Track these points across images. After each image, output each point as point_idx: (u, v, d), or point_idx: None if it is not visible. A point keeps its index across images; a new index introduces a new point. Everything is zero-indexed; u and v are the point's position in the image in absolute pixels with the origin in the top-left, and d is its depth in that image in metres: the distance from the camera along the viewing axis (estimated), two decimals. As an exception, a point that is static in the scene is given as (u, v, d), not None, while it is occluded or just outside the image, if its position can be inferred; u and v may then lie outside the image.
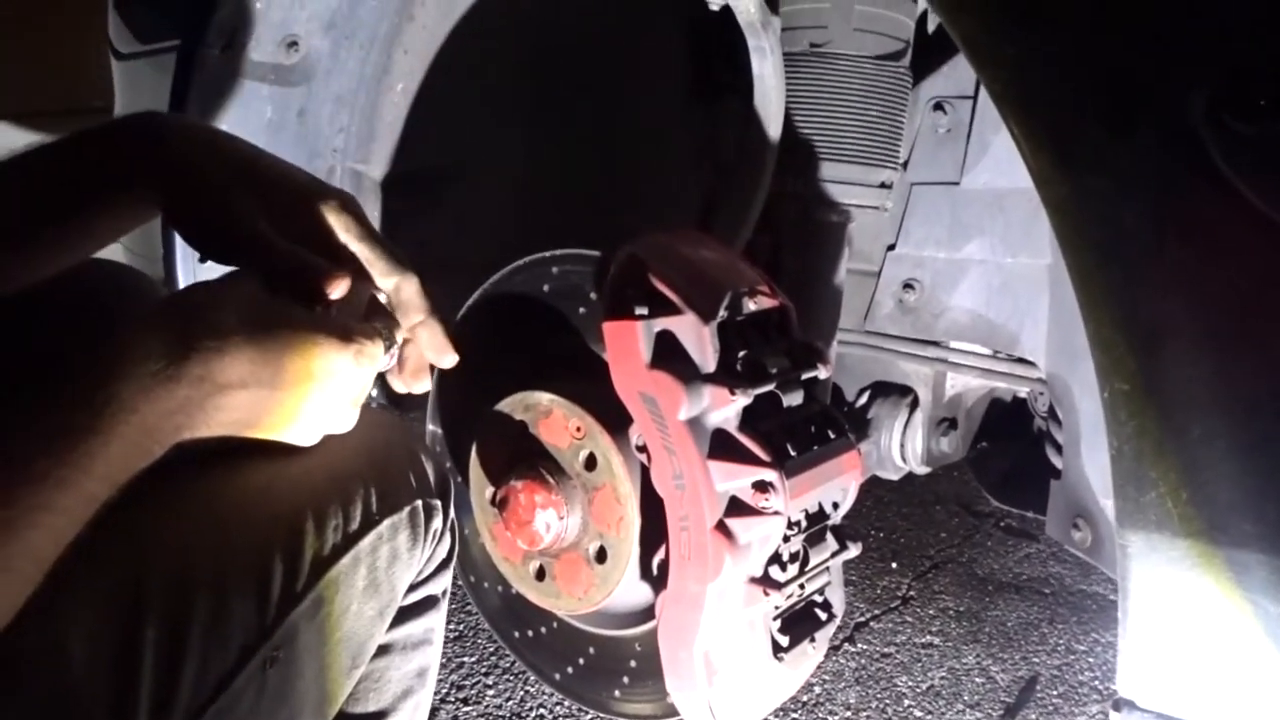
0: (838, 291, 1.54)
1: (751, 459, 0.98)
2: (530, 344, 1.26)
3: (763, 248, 1.62)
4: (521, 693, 1.86)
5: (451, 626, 2.08)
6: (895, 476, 1.78)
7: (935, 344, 1.64)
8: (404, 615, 0.83)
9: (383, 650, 0.81)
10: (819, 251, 1.49)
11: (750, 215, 1.36)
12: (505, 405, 1.20)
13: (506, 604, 1.38)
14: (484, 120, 1.72)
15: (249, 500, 0.70)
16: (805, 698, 1.86)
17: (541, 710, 1.80)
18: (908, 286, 1.59)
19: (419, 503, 0.79)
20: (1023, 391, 1.73)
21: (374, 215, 1.70)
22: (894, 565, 2.49)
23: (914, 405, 1.72)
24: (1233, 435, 0.62)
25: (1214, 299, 0.62)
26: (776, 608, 1.07)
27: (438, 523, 0.82)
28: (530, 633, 1.35)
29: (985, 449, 1.83)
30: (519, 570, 1.24)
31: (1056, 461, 1.44)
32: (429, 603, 0.86)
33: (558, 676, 1.32)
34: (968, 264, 1.54)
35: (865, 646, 2.09)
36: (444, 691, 1.86)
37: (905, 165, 1.55)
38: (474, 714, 1.80)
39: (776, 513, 0.99)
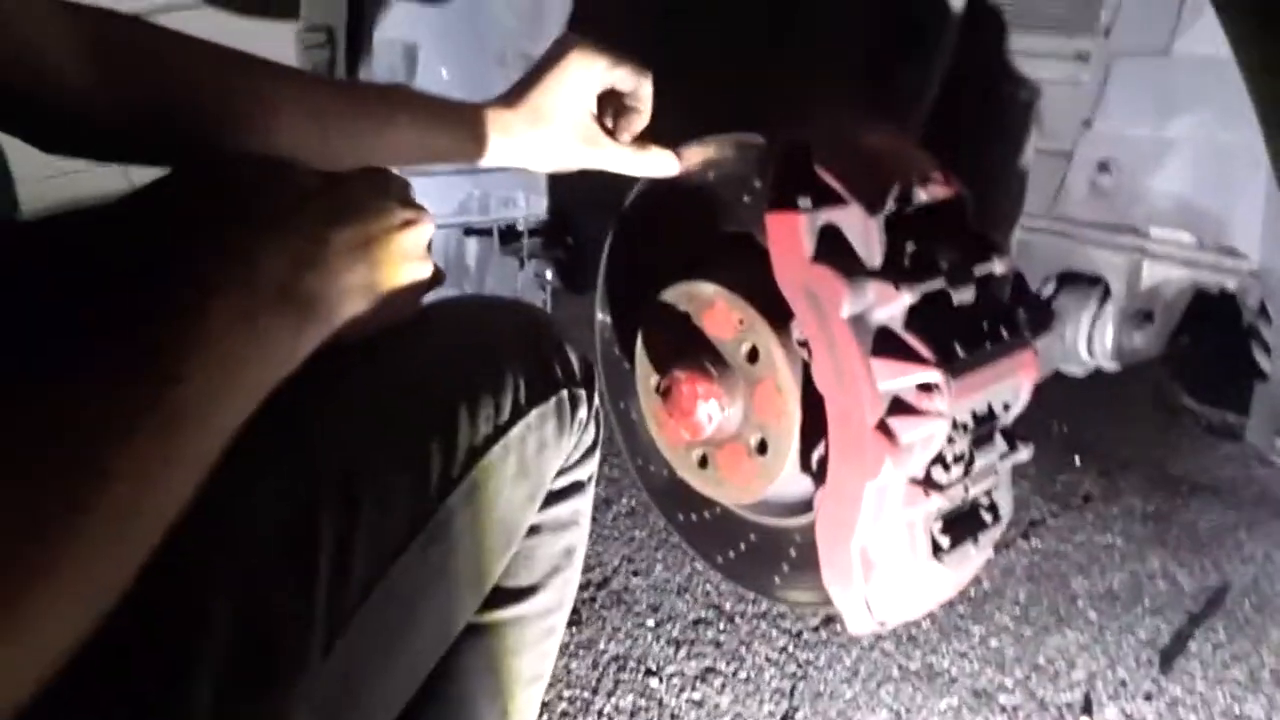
0: (1024, 175, 1.45)
1: (915, 358, 0.95)
2: (696, 232, 1.25)
3: (945, 127, 1.53)
4: (689, 569, 1.92)
5: (624, 502, 2.16)
6: (1081, 373, 1.68)
7: (1132, 231, 1.52)
8: (552, 499, 0.87)
9: (533, 530, 0.86)
10: (1004, 131, 1.40)
11: (928, 90, 1.28)
12: (670, 295, 1.20)
13: (672, 487, 1.41)
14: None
15: (408, 392, 0.74)
16: (973, 593, 1.84)
17: (708, 586, 1.86)
18: (1103, 168, 1.46)
19: (565, 393, 0.82)
20: (1231, 284, 1.59)
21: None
22: (1078, 461, 2.38)
23: (1105, 296, 1.61)
24: None
25: None
26: (939, 508, 1.04)
27: (583, 412, 0.85)
28: (694, 516, 1.38)
29: (1186, 345, 1.70)
30: (683, 457, 1.26)
31: (1265, 364, 1.33)
32: (575, 488, 0.89)
33: (720, 560, 1.34)
34: (1175, 142, 1.40)
35: (1040, 544, 2.03)
36: (616, 564, 1.94)
37: (1107, 33, 1.41)
38: (644, 585, 1.88)
39: (940, 414, 0.96)
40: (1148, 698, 1.59)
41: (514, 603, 0.87)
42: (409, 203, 0.77)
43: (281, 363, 0.64)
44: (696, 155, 1.22)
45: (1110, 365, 1.65)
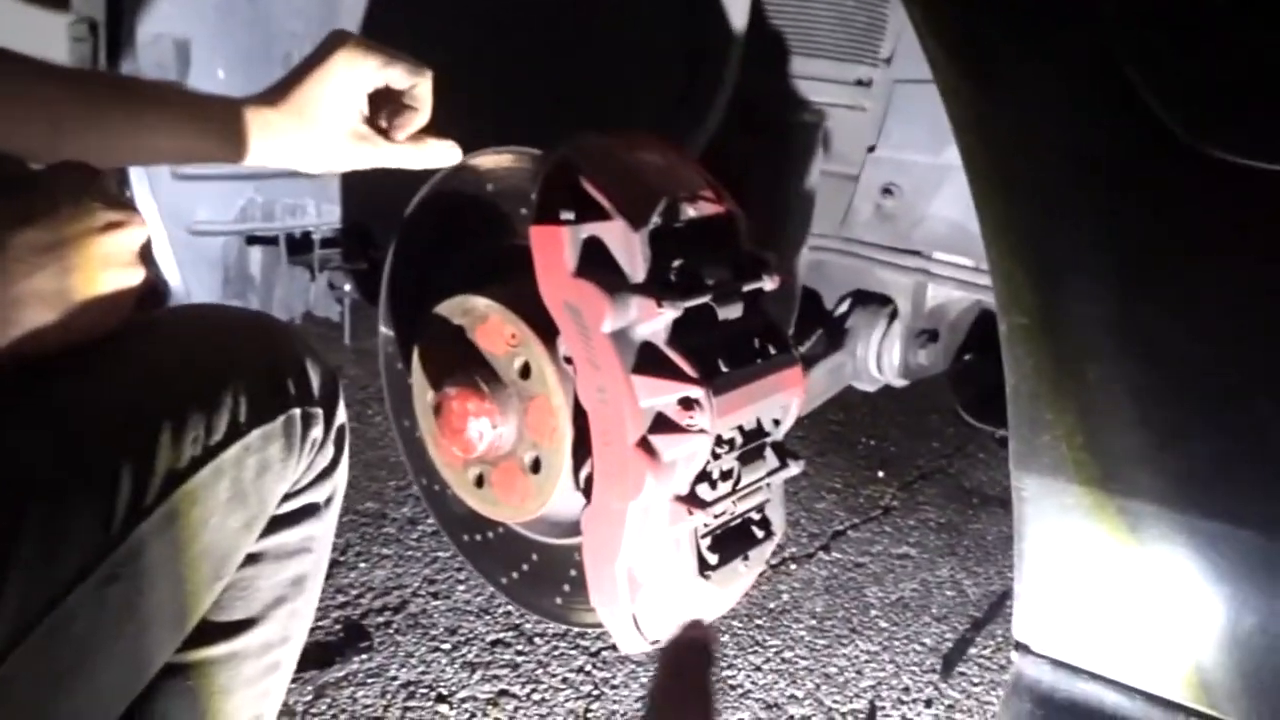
0: (809, 195, 1.48)
1: (677, 374, 0.95)
2: (474, 245, 1.22)
3: (740, 148, 1.55)
4: (490, 589, 1.87)
5: (430, 523, 2.09)
6: (872, 388, 1.73)
7: (916, 253, 1.57)
8: (278, 524, 0.81)
9: (252, 559, 0.80)
10: (788, 153, 1.42)
11: (710, 115, 1.29)
12: (445, 309, 1.16)
13: (456, 508, 1.37)
14: (452, 13, 1.63)
15: (100, 411, 0.68)
16: (772, 605, 1.87)
17: (509, 607, 1.82)
18: (886, 192, 1.51)
19: (296, 411, 0.77)
20: (1007, 305, 1.67)
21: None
22: (880, 474, 2.47)
23: (893, 316, 1.66)
24: (1132, 382, 0.57)
25: (1122, 235, 0.57)
26: (706, 525, 1.04)
27: (317, 431, 0.80)
28: (478, 537, 1.34)
29: (967, 363, 1.78)
30: (459, 476, 1.22)
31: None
32: (308, 511, 0.84)
33: (504, 581, 1.31)
34: (950, 170, 1.46)
35: (839, 555, 2.08)
36: (415, 585, 1.88)
37: (889, 61, 1.46)
38: (443, 608, 1.82)
39: (702, 430, 0.95)
40: (928, 703, 1.64)
41: (226, 638, 0.80)
42: (115, 202, 0.71)
43: None
44: (478, 166, 1.19)
45: (898, 381, 1.71)
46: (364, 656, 1.67)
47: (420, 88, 1.09)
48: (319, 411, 0.80)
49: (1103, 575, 0.63)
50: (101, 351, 0.70)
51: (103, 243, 0.68)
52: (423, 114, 1.11)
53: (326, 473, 0.85)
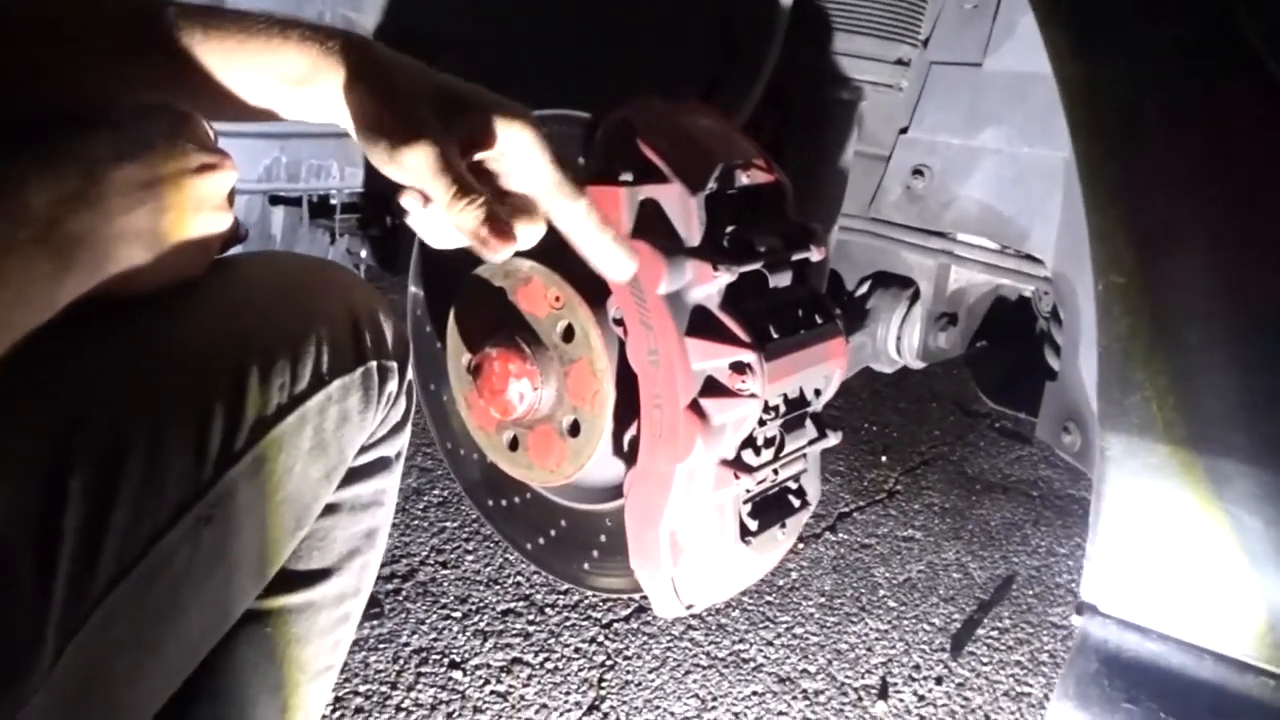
0: (843, 173, 1.48)
1: (730, 339, 0.95)
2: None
3: (768, 123, 1.55)
4: (500, 559, 1.87)
5: (436, 493, 2.09)
6: (889, 370, 1.74)
7: (941, 235, 1.58)
8: (353, 476, 0.81)
9: (330, 510, 0.80)
10: (827, 129, 1.43)
11: (755, 86, 1.29)
12: (485, 270, 1.16)
13: (483, 473, 1.36)
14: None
15: (192, 351, 0.67)
16: (781, 582, 1.87)
17: (519, 578, 1.82)
18: (917, 173, 1.52)
19: (374, 364, 0.76)
20: (1027, 290, 1.68)
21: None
22: (884, 459, 2.48)
23: (914, 298, 1.67)
24: (1231, 343, 0.57)
25: (1232, 197, 0.57)
26: (748, 491, 1.05)
27: (393, 385, 0.79)
28: (504, 502, 1.34)
29: (984, 347, 1.79)
30: (492, 440, 1.22)
31: (1055, 364, 1.41)
32: (380, 465, 0.83)
33: (529, 546, 1.31)
34: (982, 152, 1.47)
35: (846, 536, 2.09)
36: (424, 554, 1.88)
37: (926, 43, 1.46)
38: (452, 577, 1.82)
39: (753, 395, 0.96)
40: (939, 680, 1.66)
41: (303, 587, 0.80)
42: (208, 145, 0.70)
43: (36, 307, 0.56)
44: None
45: (916, 364, 1.71)
46: (374, 623, 1.66)
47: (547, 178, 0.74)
48: (394, 365, 0.79)
49: (1181, 535, 0.64)
50: (187, 294, 0.69)
51: (197, 185, 0.66)
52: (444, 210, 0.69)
53: (398, 428, 0.84)
